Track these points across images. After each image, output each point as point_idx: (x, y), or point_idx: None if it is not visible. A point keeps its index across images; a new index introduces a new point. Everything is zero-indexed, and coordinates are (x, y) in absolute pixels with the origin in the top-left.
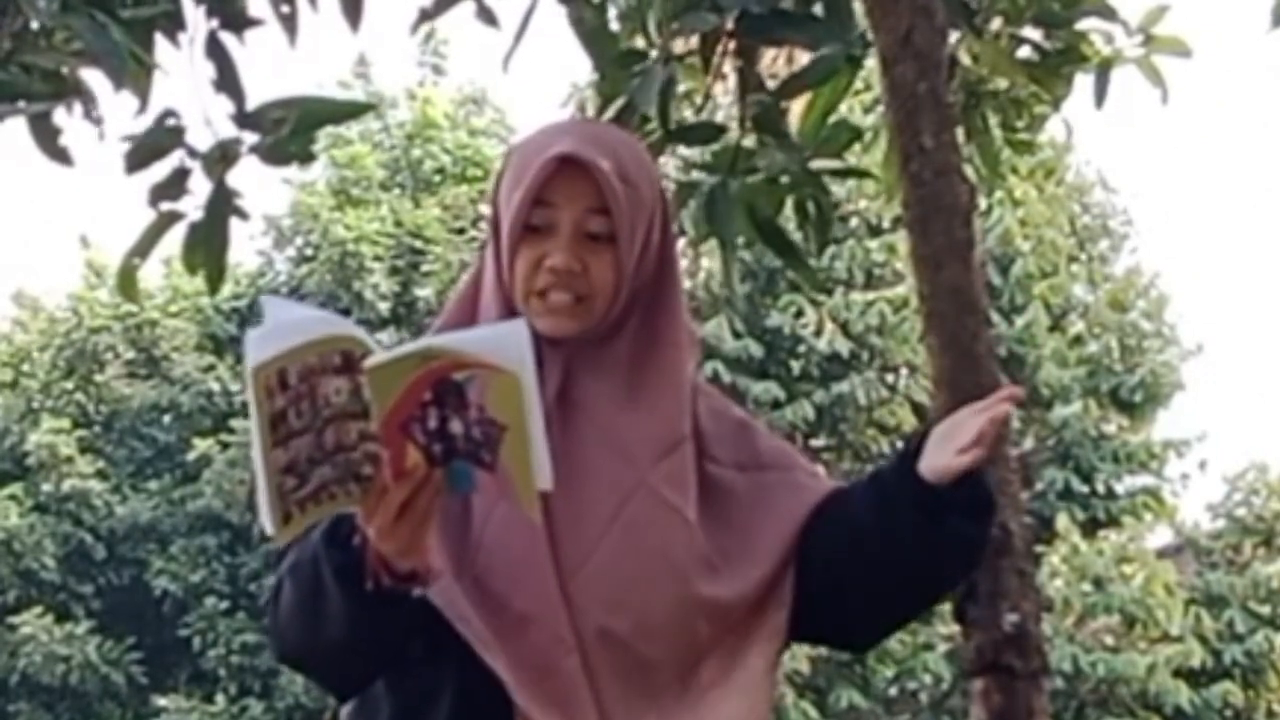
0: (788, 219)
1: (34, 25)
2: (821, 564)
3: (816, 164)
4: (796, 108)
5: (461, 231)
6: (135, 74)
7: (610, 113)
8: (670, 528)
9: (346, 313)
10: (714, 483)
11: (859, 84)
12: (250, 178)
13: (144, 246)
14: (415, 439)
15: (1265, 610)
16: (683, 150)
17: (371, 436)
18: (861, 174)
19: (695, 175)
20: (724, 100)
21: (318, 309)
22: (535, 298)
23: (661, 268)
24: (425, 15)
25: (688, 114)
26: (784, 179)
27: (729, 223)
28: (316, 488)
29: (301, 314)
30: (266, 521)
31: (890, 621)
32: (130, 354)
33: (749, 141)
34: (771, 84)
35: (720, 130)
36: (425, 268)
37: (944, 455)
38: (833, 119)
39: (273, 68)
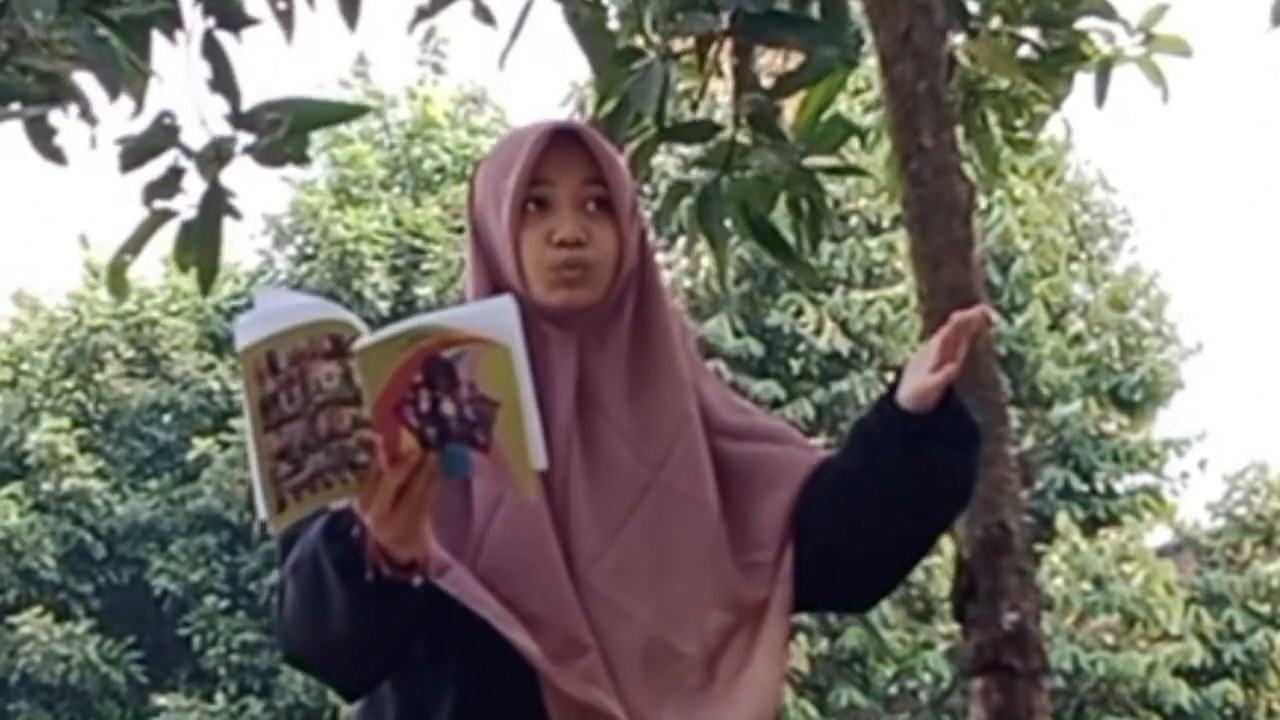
0: (782, 216)
1: (29, 29)
2: (817, 529)
3: (810, 161)
4: (792, 104)
5: (462, 230)
6: (131, 77)
7: (606, 110)
8: (688, 518)
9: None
10: (722, 459)
11: (859, 83)
12: (250, 176)
13: (135, 244)
14: (408, 422)
15: (1265, 609)
16: (681, 149)
17: (365, 423)
18: (855, 171)
19: (689, 173)
20: (723, 99)
21: (308, 296)
22: (548, 273)
23: (644, 252)
24: (422, 13)
25: (686, 112)
26: (778, 177)
27: (719, 221)
28: (311, 475)
29: (291, 300)
30: (261, 508)
31: (888, 572)
32: (130, 353)
33: (744, 139)
34: (769, 81)
35: (715, 128)
36: (425, 267)
37: (916, 377)
38: (827, 115)
39: (272, 66)
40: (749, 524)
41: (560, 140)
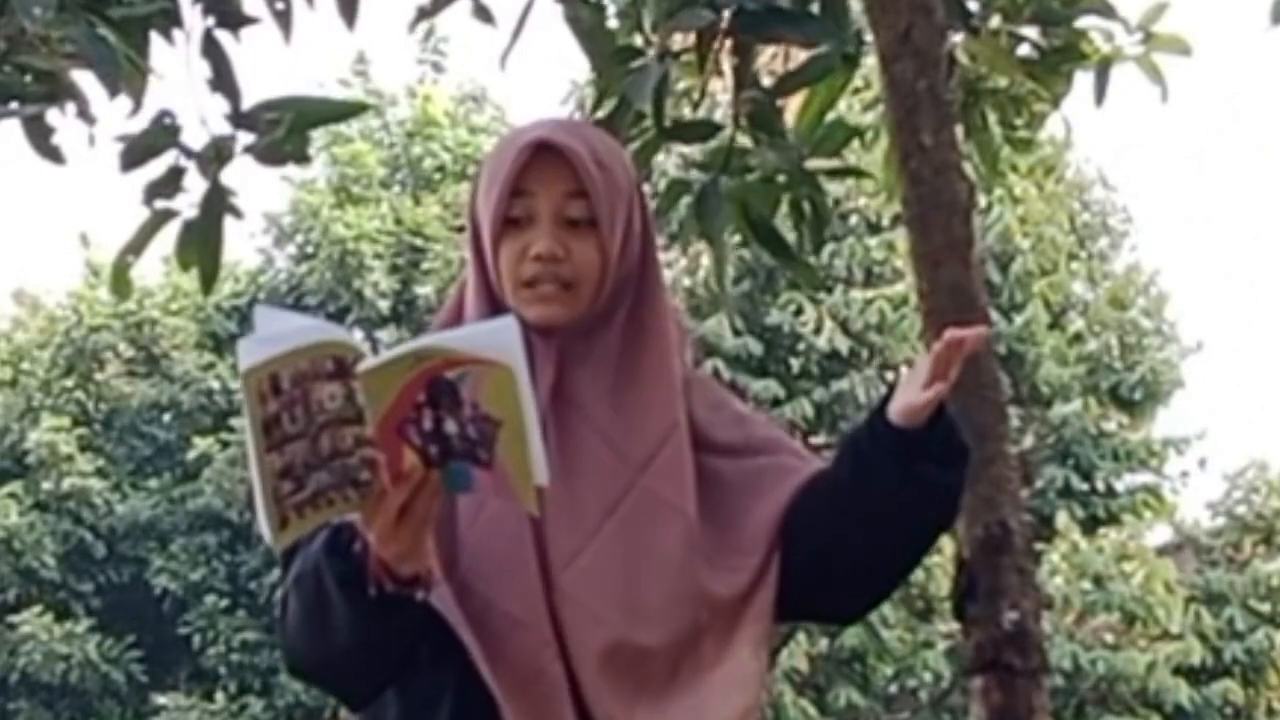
0: (783, 217)
1: (29, 27)
2: (804, 537)
3: (812, 163)
4: (794, 105)
5: (462, 229)
6: (130, 76)
7: (605, 110)
8: (665, 523)
9: (346, 310)
10: (708, 473)
11: (859, 82)
12: (250, 175)
13: (137, 244)
14: (411, 441)
15: (1265, 608)
16: (682, 149)
17: (367, 441)
18: (857, 173)
19: (689, 173)
20: (723, 98)
21: (309, 317)
22: (523, 288)
23: (644, 259)
24: (423, 13)
25: (686, 112)
26: (779, 177)
27: (717, 220)
28: (314, 493)
29: (293, 321)
30: (264, 526)
31: (875, 585)
32: (130, 352)
33: (745, 140)
34: (768, 81)
35: (715, 128)
36: (425, 265)
37: (907, 394)
38: (829, 117)
39: (273, 66)
40: (736, 531)
41: (544, 151)
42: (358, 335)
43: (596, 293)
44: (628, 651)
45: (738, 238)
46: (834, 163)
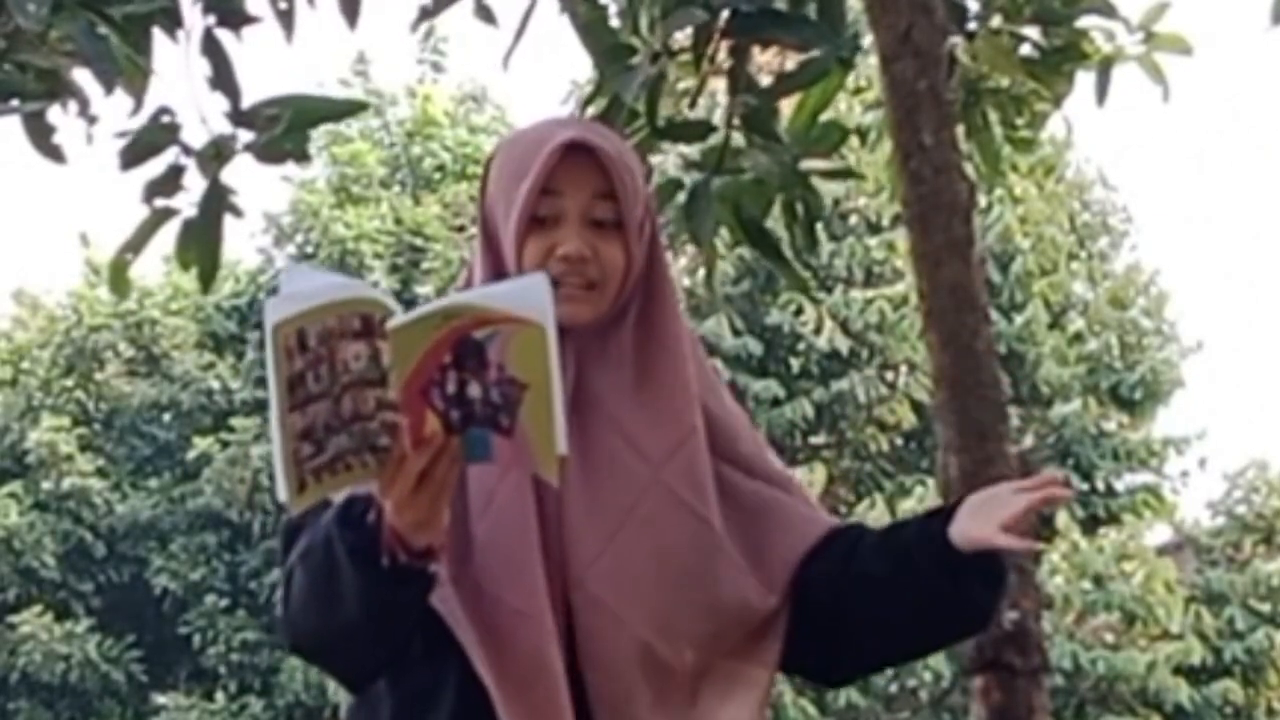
0: (777, 219)
1: (24, 25)
2: (818, 601)
3: (805, 164)
4: (789, 105)
5: (462, 229)
6: (130, 73)
7: (597, 107)
8: (685, 525)
9: None
10: (724, 482)
11: (860, 82)
12: (250, 174)
13: (136, 242)
14: (434, 405)
15: (1265, 608)
16: (684, 150)
17: (389, 405)
18: (850, 175)
19: (681, 173)
20: (724, 99)
21: (338, 274)
22: None
23: (651, 260)
24: (426, 13)
25: (685, 111)
26: (771, 179)
27: (705, 220)
28: (333, 457)
29: (322, 278)
30: (281, 488)
31: (877, 667)
32: (130, 352)
33: (739, 140)
34: (768, 79)
35: (710, 128)
36: (425, 265)
37: (983, 527)
38: (824, 118)
39: (273, 65)
40: (762, 559)
41: (574, 151)
42: None
43: (619, 293)
44: (652, 658)
45: (727, 238)
46: (827, 164)
